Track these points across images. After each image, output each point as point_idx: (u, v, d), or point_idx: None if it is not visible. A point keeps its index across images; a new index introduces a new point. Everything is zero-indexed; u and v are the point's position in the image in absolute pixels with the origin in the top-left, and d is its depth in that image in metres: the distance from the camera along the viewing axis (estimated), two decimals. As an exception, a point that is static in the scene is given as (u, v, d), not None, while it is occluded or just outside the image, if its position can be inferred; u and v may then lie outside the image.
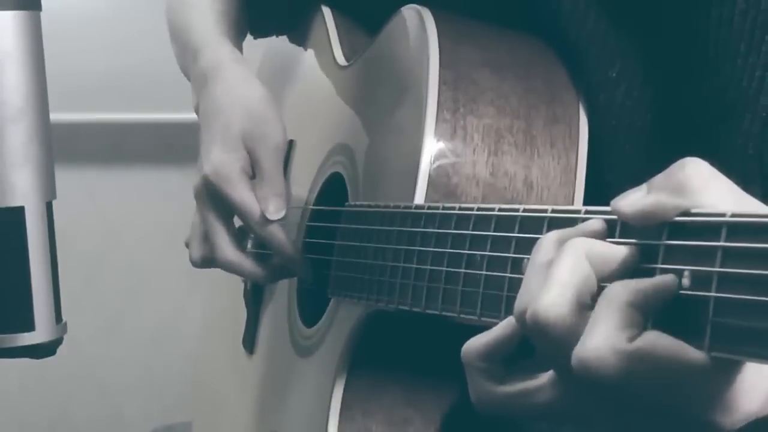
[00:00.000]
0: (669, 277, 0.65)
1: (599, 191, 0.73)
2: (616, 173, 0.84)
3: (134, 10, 2.53)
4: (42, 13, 0.97)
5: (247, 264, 1.18)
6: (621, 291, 0.66)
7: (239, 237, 1.20)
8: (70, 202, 2.05)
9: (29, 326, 0.94)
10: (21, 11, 0.94)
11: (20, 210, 0.94)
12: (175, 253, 3.00)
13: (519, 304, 0.71)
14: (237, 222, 1.20)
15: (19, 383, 2.75)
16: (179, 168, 2.79)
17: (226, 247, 1.18)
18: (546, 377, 0.72)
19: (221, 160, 1.16)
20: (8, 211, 0.94)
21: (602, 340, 0.65)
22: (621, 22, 0.99)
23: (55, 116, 0.98)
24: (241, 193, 1.15)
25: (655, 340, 0.64)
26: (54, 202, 0.98)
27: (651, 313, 0.65)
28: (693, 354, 0.63)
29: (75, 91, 2.55)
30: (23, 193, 0.94)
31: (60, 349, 0.98)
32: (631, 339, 0.65)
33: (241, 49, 1.31)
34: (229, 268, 1.19)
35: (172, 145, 2.76)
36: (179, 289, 2.75)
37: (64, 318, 0.98)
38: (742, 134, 0.95)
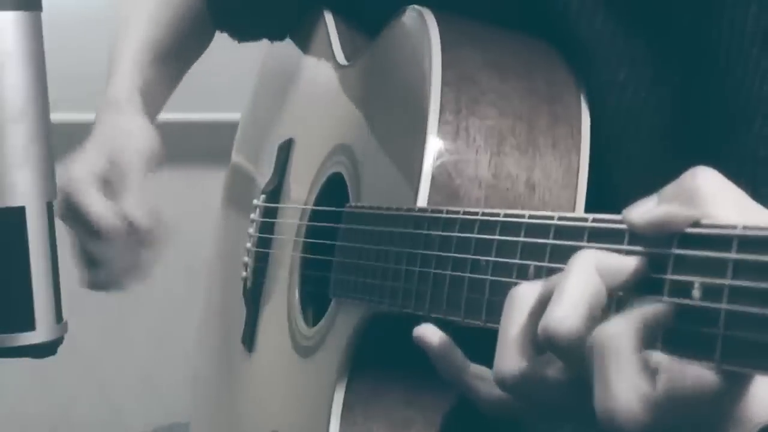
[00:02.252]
0: (663, 306, 0.65)
1: (607, 194, 0.72)
2: (624, 176, 0.85)
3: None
4: (42, 13, 0.97)
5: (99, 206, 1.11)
6: (626, 335, 0.65)
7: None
8: (71, 201, 2.05)
9: (30, 326, 0.94)
10: (21, 11, 0.94)
11: (21, 210, 0.94)
12: (175, 253, 3.00)
13: None
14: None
15: (19, 383, 2.75)
16: (179, 168, 2.79)
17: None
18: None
19: (74, 167, 1.13)
20: (9, 211, 0.94)
21: (626, 389, 0.64)
22: (630, 24, 0.99)
23: (55, 116, 0.98)
24: (88, 198, 1.10)
25: (677, 378, 0.64)
26: (55, 202, 0.98)
27: (657, 340, 0.65)
28: (710, 379, 0.63)
29: (75, 91, 2.54)
30: (24, 193, 0.94)
31: (60, 349, 0.98)
32: (651, 378, 0.64)
33: (168, 79, 1.36)
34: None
35: (172, 145, 2.76)
36: (179, 289, 2.75)
37: (65, 318, 0.98)
38: (753, 137, 0.95)
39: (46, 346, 0.96)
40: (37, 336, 0.95)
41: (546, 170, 0.95)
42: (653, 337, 0.65)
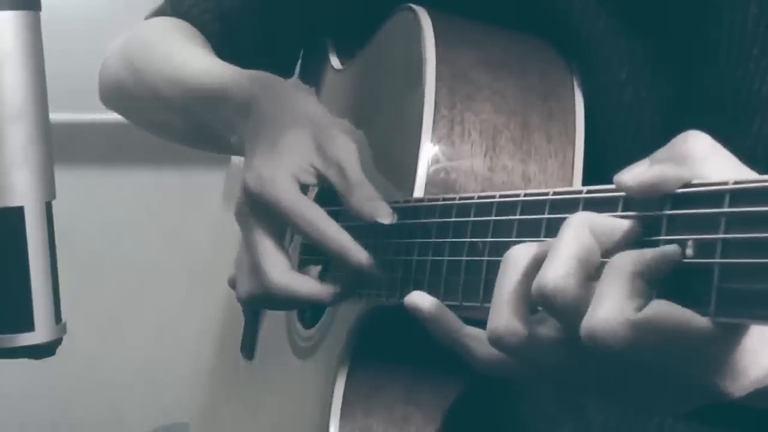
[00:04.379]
0: (672, 247, 0.65)
1: None
2: None
3: (134, 10, 2.54)
4: (42, 13, 0.97)
5: (306, 285, 0.99)
6: (627, 261, 0.66)
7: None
8: (70, 202, 2.05)
9: (29, 326, 0.94)
10: (21, 11, 0.94)
11: (20, 210, 0.94)
12: (175, 253, 3.02)
13: None
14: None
15: (19, 383, 2.75)
16: (179, 168, 2.80)
17: (274, 268, 0.98)
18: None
19: (266, 164, 0.98)
20: (8, 211, 0.94)
21: (611, 310, 0.65)
22: (631, 23, 0.99)
23: (55, 116, 0.98)
24: (291, 195, 0.97)
25: (663, 309, 0.65)
26: (54, 202, 0.98)
27: (656, 282, 0.66)
28: (699, 321, 0.64)
29: (75, 91, 2.55)
30: (23, 193, 0.94)
31: (60, 349, 0.98)
32: (639, 308, 0.65)
33: None
34: (284, 293, 0.99)
35: (172, 145, 2.76)
36: (179, 289, 2.75)
37: (64, 318, 0.98)
38: (752, 137, 0.96)
39: (45, 347, 0.96)
40: (36, 336, 0.95)
41: (541, 164, 0.96)
42: (650, 275, 0.66)
